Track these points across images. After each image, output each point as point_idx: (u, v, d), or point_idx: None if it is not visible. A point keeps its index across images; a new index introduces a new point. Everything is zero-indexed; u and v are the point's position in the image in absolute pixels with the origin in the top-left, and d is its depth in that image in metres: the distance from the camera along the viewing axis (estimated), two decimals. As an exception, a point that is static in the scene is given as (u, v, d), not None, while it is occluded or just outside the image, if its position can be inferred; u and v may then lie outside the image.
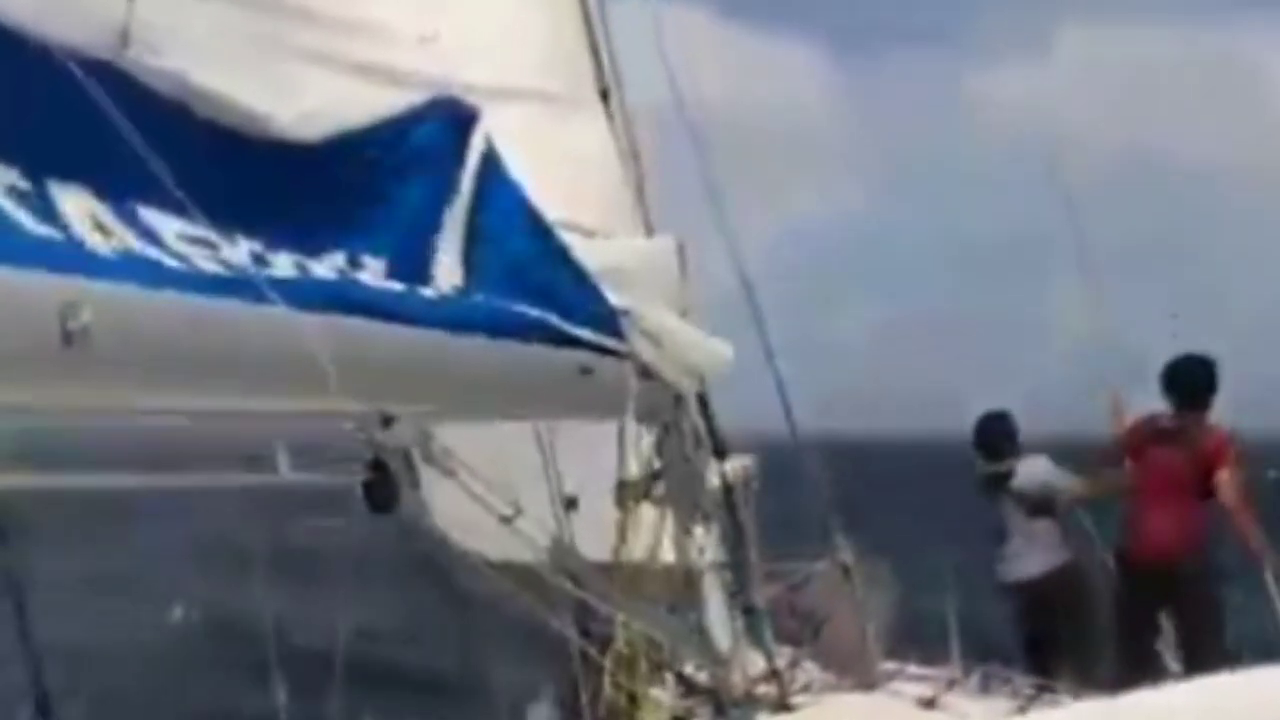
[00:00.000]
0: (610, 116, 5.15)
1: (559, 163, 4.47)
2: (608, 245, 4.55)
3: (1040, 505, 8.19)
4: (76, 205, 2.80)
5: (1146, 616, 7.50)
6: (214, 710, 10.62)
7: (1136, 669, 7.14)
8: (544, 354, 4.06)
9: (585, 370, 4.21)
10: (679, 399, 4.87)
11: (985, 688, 5.77)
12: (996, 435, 8.56)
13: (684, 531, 4.98)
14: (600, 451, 5.10)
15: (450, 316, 3.68)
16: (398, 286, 3.61)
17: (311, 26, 3.71)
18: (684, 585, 5.09)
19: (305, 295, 3.17)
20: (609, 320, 4.27)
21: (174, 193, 2.84)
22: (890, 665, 5.73)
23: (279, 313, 2.97)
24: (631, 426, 4.79)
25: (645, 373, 4.48)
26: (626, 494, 4.97)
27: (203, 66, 3.21)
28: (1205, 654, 6.95)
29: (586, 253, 4.25)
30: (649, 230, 5.12)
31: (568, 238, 4.23)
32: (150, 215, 2.95)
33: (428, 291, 3.70)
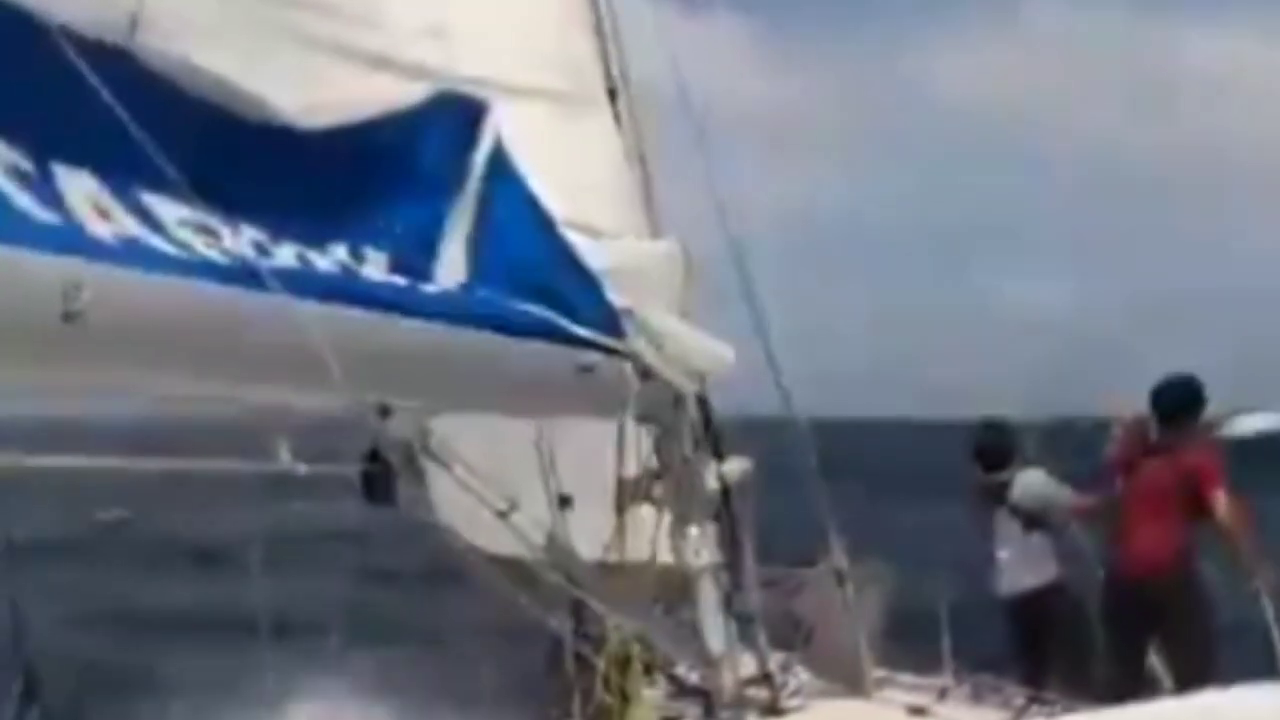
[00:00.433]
0: (617, 116, 5.15)
1: (565, 160, 4.47)
2: (612, 245, 4.56)
3: (1036, 519, 8.19)
4: (79, 189, 2.81)
5: (1135, 631, 7.51)
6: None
7: (1127, 684, 7.14)
8: (545, 351, 4.07)
9: (585, 368, 4.22)
10: (678, 400, 4.87)
11: (976, 697, 5.77)
12: (994, 446, 8.53)
13: (680, 533, 4.99)
14: (597, 451, 5.11)
15: (451, 311, 3.69)
16: (399, 280, 3.61)
17: (321, 16, 3.72)
18: (678, 586, 5.09)
19: (306, 285, 3.18)
20: (611, 320, 4.28)
21: (175, 179, 2.85)
22: (881, 673, 5.74)
23: (278, 301, 2.97)
24: (631, 426, 4.80)
25: (645, 373, 4.49)
26: (625, 493, 4.97)
27: (211, 53, 3.22)
28: (1195, 671, 6.95)
29: (591, 252, 4.26)
30: (655, 231, 5.12)
31: (573, 237, 4.24)
32: (152, 201, 2.96)
33: (429, 286, 3.70)
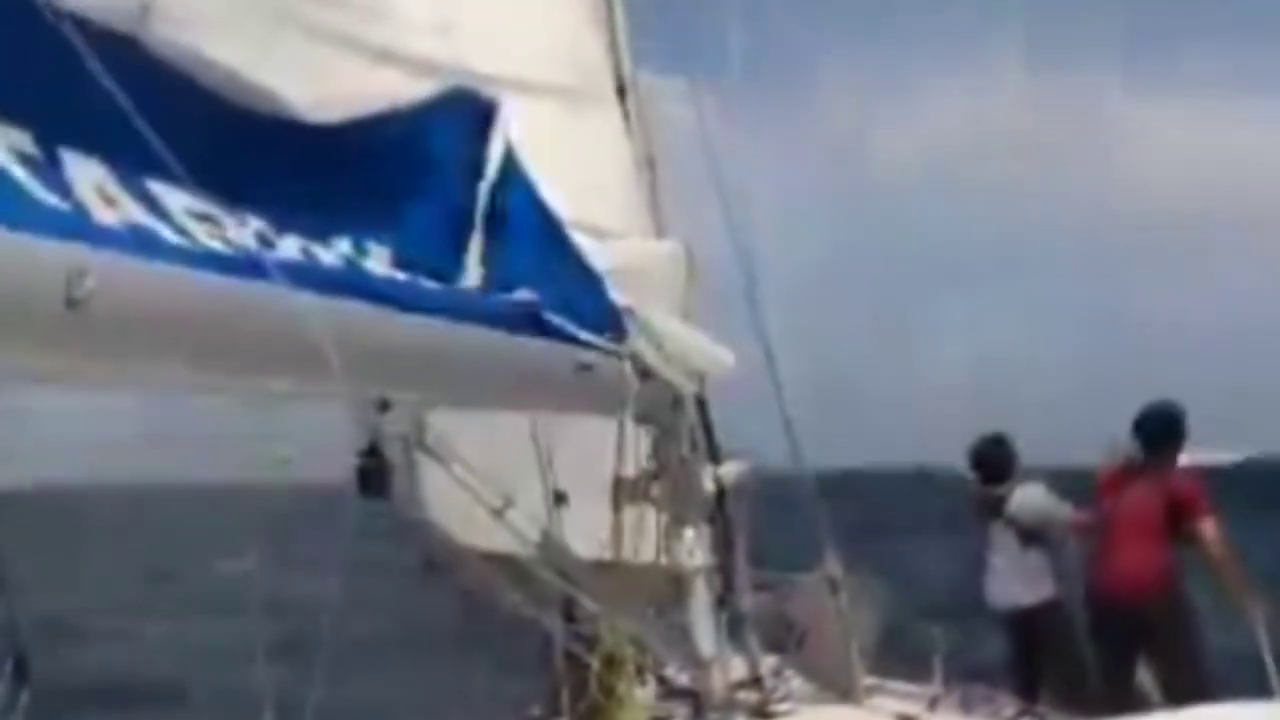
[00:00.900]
0: (626, 116, 5.14)
1: (572, 159, 4.47)
2: (616, 245, 4.55)
3: (1034, 534, 8.20)
4: (87, 176, 2.80)
5: (1121, 649, 7.53)
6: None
7: (1116, 700, 7.16)
8: (544, 348, 4.06)
9: (584, 366, 4.21)
10: (677, 401, 4.87)
11: (966, 706, 5.78)
12: (994, 459, 8.54)
13: (675, 533, 4.99)
14: (595, 449, 5.10)
15: (453, 306, 3.68)
16: (401, 275, 3.60)
17: (333, 10, 3.70)
18: (671, 586, 5.09)
19: (308, 278, 3.17)
20: (613, 319, 4.27)
21: (182, 168, 2.84)
22: (871, 680, 5.74)
23: (280, 292, 2.96)
24: (629, 425, 4.80)
25: (645, 373, 4.48)
26: (622, 492, 4.97)
27: (221, 44, 3.21)
28: (1183, 687, 6.96)
29: (595, 252, 4.25)
30: (659, 231, 5.12)
31: (578, 236, 4.23)
32: (159, 190, 2.95)
33: (432, 282, 3.70)
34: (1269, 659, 6.91)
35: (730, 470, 5.29)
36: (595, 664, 4.57)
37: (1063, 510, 8.21)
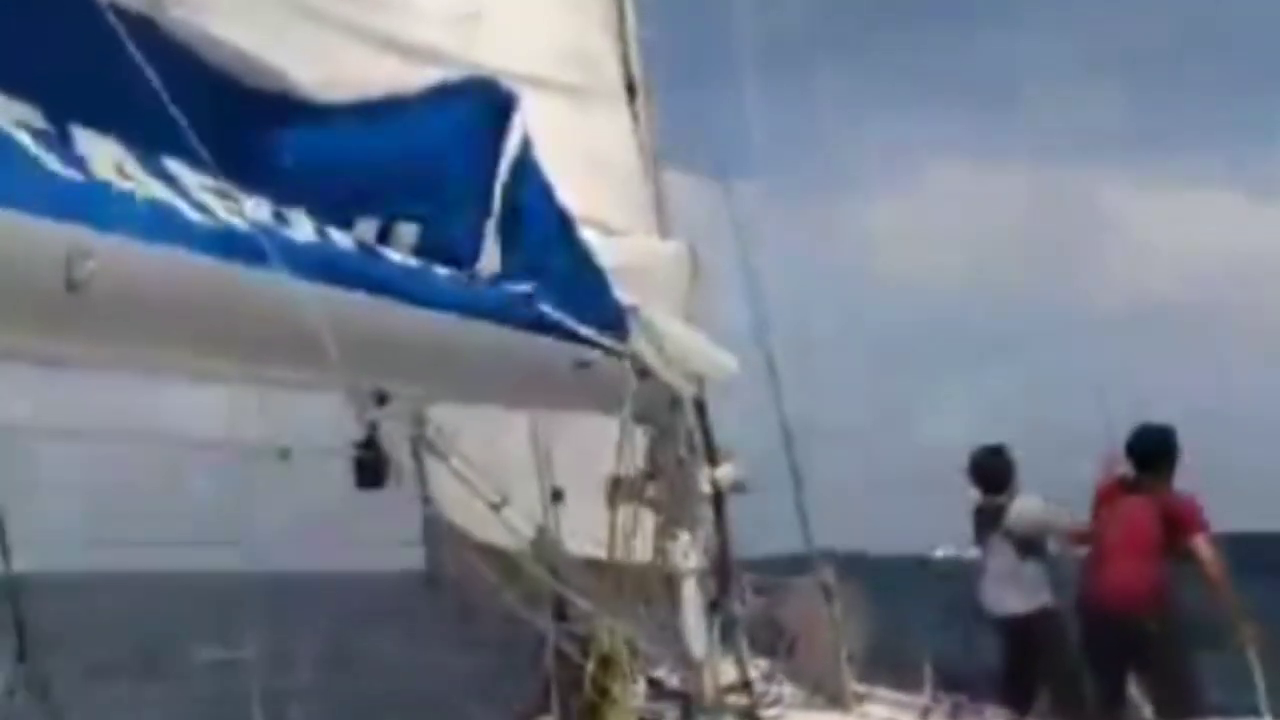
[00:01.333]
0: (635, 115, 5.13)
1: (579, 155, 4.45)
2: (620, 243, 4.54)
3: (1031, 546, 8.20)
4: (102, 152, 2.77)
5: (1113, 662, 7.53)
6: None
7: (1107, 712, 7.16)
8: (543, 344, 4.04)
9: (583, 364, 4.19)
10: (675, 401, 4.85)
11: (955, 716, 5.78)
12: (992, 468, 8.54)
13: (669, 534, 4.97)
14: (592, 449, 5.08)
15: (458, 301, 3.66)
16: (412, 263, 3.58)
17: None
18: (663, 587, 5.08)
19: (315, 264, 3.15)
20: (615, 318, 4.25)
21: (200, 147, 2.81)
22: (861, 688, 5.74)
23: (283, 279, 2.94)
24: (628, 425, 4.77)
25: (644, 373, 4.47)
26: (619, 491, 4.95)
27: (235, 27, 3.19)
28: (1174, 702, 6.96)
29: (600, 248, 4.23)
30: (664, 231, 5.11)
31: (584, 231, 4.21)
32: (176, 168, 2.93)
33: (442, 272, 3.67)
34: (1258, 677, 6.91)
35: (726, 473, 5.28)
36: (591, 664, 4.56)
37: (1061, 520, 8.21)
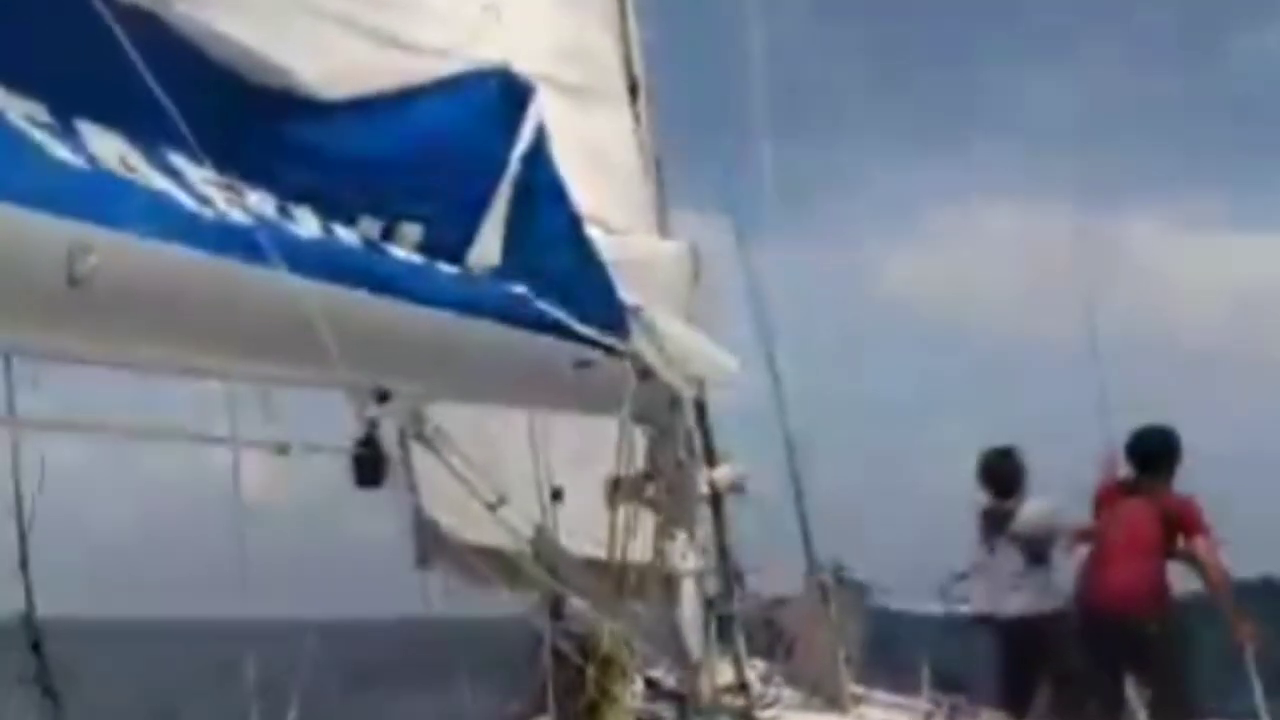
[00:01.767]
0: (637, 116, 5.12)
1: (581, 154, 4.43)
2: (622, 242, 4.53)
3: (1039, 551, 8.19)
4: (107, 146, 2.76)
5: (1111, 664, 7.52)
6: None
7: (1100, 715, 7.16)
8: (544, 343, 4.03)
9: (582, 364, 4.18)
10: (675, 402, 4.84)
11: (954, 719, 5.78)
12: (1001, 471, 8.50)
13: (668, 535, 4.97)
14: (592, 448, 5.08)
15: (460, 298, 3.64)
16: (414, 260, 3.56)
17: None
18: (662, 588, 5.07)
19: (318, 261, 3.14)
20: (616, 317, 4.24)
21: (203, 143, 2.80)
22: (859, 689, 5.73)
23: (284, 276, 2.93)
24: (628, 425, 4.77)
25: (644, 373, 4.46)
26: (618, 492, 4.94)
27: (239, 22, 3.18)
28: (1172, 705, 6.96)
29: (602, 246, 4.21)
30: (665, 231, 5.10)
31: (589, 229, 4.19)
32: (180, 163, 2.92)
33: (446, 269, 3.66)
34: (1255, 680, 6.91)
35: (725, 473, 5.28)
36: (592, 664, 4.55)
37: (1068, 522, 8.20)
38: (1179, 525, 7.49)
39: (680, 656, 5.03)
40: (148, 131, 2.81)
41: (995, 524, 8.25)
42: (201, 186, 2.91)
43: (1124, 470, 7.89)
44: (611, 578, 4.76)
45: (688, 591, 5.00)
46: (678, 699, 5.19)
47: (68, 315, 2.70)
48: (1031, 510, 8.19)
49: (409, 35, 3.89)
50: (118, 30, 2.60)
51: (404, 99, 3.63)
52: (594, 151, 4.80)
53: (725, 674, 5.35)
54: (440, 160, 3.67)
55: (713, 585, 5.13)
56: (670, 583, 4.99)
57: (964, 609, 8.34)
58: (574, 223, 4.07)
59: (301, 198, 3.27)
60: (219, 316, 3.06)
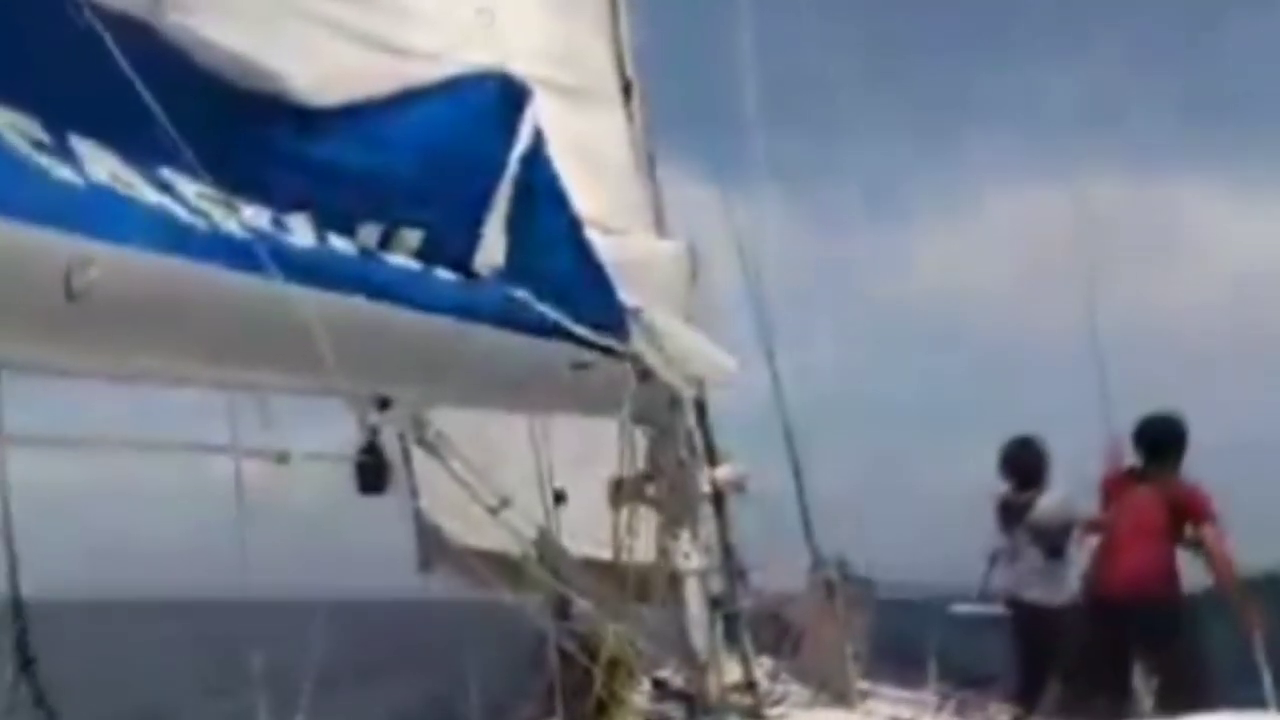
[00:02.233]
0: (630, 117, 5.11)
1: (574, 156, 4.42)
2: (619, 242, 4.52)
3: (1057, 544, 8.19)
4: (98, 160, 2.76)
5: (1120, 651, 7.52)
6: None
7: (1109, 704, 7.15)
8: (543, 346, 4.02)
9: (581, 365, 4.18)
10: (675, 402, 4.84)
11: (961, 713, 5.78)
12: (1022, 461, 8.47)
13: (671, 535, 4.96)
14: (594, 449, 5.07)
15: (458, 303, 3.64)
16: (411, 267, 3.56)
17: (341, 1, 3.66)
18: (667, 588, 5.07)
19: (313, 270, 3.13)
20: (615, 319, 4.24)
21: (197, 156, 2.80)
22: (865, 684, 5.73)
23: (279, 285, 2.93)
24: (629, 426, 4.77)
25: (644, 374, 4.45)
26: (620, 493, 4.94)
27: (233, 31, 3.17)
28: (1181, 693, 6.95)
29: (600, 246, 4.21)
30: (661, 231, 5.10)
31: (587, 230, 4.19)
32: (174, 177, 2.91)
33: (440, 275, 3.65)
34: (1264, 667, 6.91)
35: (726, 472, 5.27)
36: (600, 666, 4.54)
37: (1082, 511, 8.20)
38: (1187, 513, 7.49)
39: (687, 656, 5.02)
40: (142, 146, 2.80)
41: (1013, 515, 8.23)
42: (196, 200, 2.91)
43: (1130, 458, 7.89)
44: (615, 579, 4.75)
45: (693, 591, 4.99)
46: (685, 699, 5.19)
47: (67, 329, 2.70)
48: (1048, 503, 8.17)
49: (401, 39, 3.87)
50: (110, 44, 2.60)
51: (400, 103, 3.62)
52: (589, 153, 4.79)
53: (733, 672, 5.35)
54: (439, 164, 3.66)
55: (717, 584, 5.12)
56: (675, 582, 4.99)
57: (985, 609, 8.32)
58: (573, 225, 4.07)
59: (298, 207, 3.26)
60: (216, 327, 3.06)
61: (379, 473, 4.15)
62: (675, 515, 5.00)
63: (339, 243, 3.34)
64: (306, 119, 3.34)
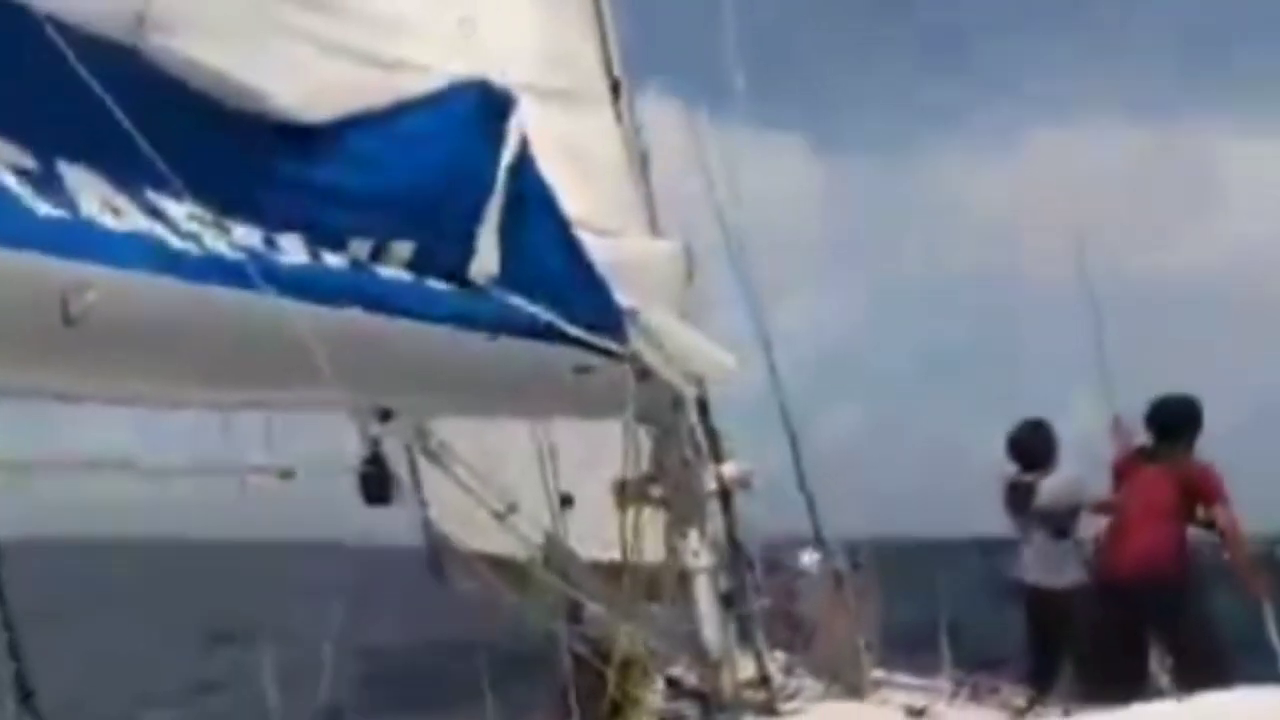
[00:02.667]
0: (619, 116, 5.11)
1: (566, 159, 4.43)
2: (614, 244, 4.52)
3: (1063, 526, 8.18)
4: (89, 187, 2.77)
5: (1134, 632, 7.51)
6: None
7: (1124, 684, 7.14)
8: (543, 351, 4.03)
9: (582, 369, 4.18)
10: (677, 401, 4.84)
11: (975, 698, 5.76)
12: (1030, 443, 8.46)
13: (679, 534, 4.96)
14: (599, 451, 5.08)
15: (454, 312, 3.65)
16: (405, 278, 3.56)
17: (327, 14, 3.66)
18: (677, 587, 5.07)
19: (310, 286, 3.14)
20: (613, 321, 4.24)
21: (183, 178, 2.81)
22: (879, 674, 5.72)
23: (276, 303, 2.94)
24: (633, 426, 4.77)
25: (644, 374, 4.45)
26: (625, 494, 4.94)
27: (218, 51, 3.18)
28: (1196, 672, 6.94)
29: (596, 249, 4.21)
30: (655, 230, 5.09)
31: (580, 233, 4.19)
32: (163, 201, 2.92)
33: (436, 284, 3.66)
34: (1278, 644, 6.90)
35: (732, 468, 5.26)
36: (613, 668, 4.55)
37: (1088, 493, 8.18)
38: (1198, 493, 7.47)
39: (699, 654, 5.02)
40: (130, 170, 2.81)
41: (1019, 498, 8.21)
42: (187, 223, 2.92)
43: (1140, 439, 7.87)
44: (625, 580, 4.76)
45: (703, 588, 4.99)
46: (700, 697, 5.19)
47: (65, 354, 2.71)
48: (1053, 484, 8.16)
49: (388, 53, 3.88)
50: (92, 69, 2.61)
51: (385, 118, 3.63)
52: (581, 154, 4.79)
53: (746, 668, 5.35)
54: (427, 178, 3.67)
55: (726, 581, 5.12)
56: (685, 581, 4.99)
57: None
58: (564, 229, 4.07)
59: (288, 225, 3.27)
60: (214, 347, 3.07)
61: (383, 484, 4.18)
62: (683, 514, 5.00)
63: (331, 258, 3.35)
64: (293, 137, 3.34)
